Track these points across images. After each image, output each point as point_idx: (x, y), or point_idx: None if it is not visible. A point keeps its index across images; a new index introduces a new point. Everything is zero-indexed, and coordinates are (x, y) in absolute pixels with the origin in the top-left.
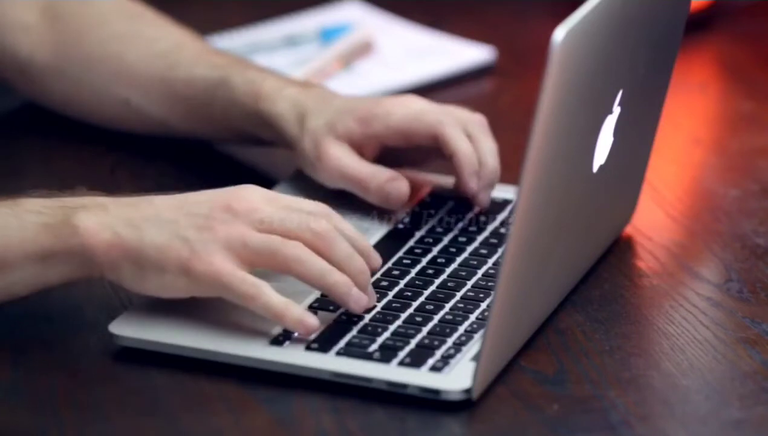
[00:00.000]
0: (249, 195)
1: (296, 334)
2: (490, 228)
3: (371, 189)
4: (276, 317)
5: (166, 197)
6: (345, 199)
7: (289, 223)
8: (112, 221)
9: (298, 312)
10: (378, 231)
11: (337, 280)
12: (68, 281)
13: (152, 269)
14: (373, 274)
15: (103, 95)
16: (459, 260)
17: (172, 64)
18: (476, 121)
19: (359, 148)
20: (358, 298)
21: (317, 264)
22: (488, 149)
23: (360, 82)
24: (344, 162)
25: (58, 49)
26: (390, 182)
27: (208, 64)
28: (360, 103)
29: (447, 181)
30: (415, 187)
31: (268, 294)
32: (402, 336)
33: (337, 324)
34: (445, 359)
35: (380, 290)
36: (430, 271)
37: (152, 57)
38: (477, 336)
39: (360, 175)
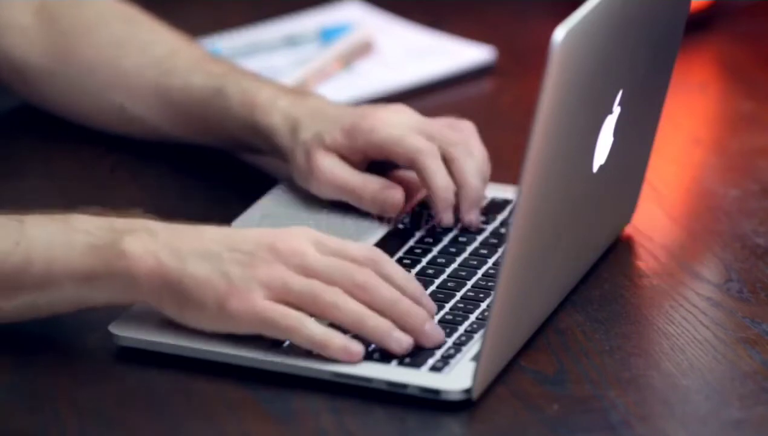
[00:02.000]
0: (297, 237)
1: None
2: (490, 228)
3: (365, 199)
4: (320, 348)
5: (216, 229)
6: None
7: (332, 270)
8: (158, 248)
9: (341, 341)
10: (378, 231)
11: (376, 324)
12: (111, 304)
13: (191, 302)
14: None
15: (97, 100)
16: (459, 260)
17: (167, 71)
18: (459, 141)
19: (347, 158)
20: (399, 339)
21: (355, 309)
22: (470, 169)
23: (360, 82)
24: (336, 173)
25: (52, 52)
26: (384, 191)
27: (203, 73)
28: (348, 115)
29: None
30: (414, 187)
31: (310, 326)
32: None
33: (337, 324)
34: (445, 359)
35: None
36: (430, 271)
37: (147, 63)
38: (477, 336)
39: (353, 186)
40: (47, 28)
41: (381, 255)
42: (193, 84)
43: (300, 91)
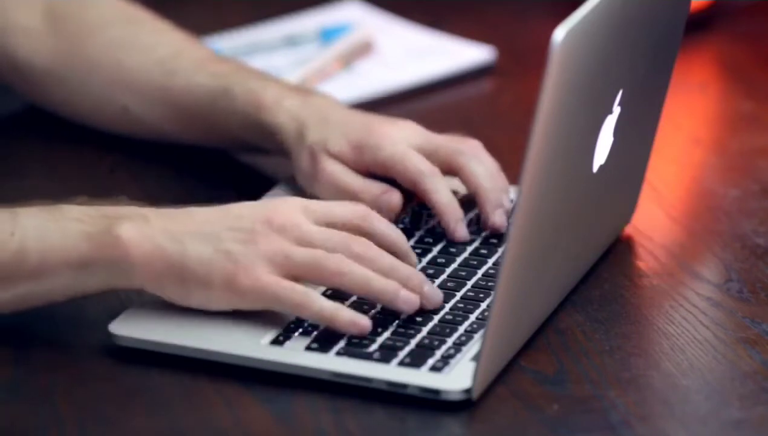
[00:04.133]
0: (289, 209)
1: (297, 333)
2: None
3: (366, 202)
4: (328, 321)
5: (206, 210)
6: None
7: (330, 242)
8: (154, 233)
9: (348, 315)
10: None
11: (383, 286)
12: (106, 290)
13: (196, 283)
14: None
15: (101, 101)
16: (459, 260)
17: (171, 71)
18: (466, 151)
19: (351, 168)
20: (407, 298)
21: (360, 273)
22: (480, 174)
23: (360, 82)
24: (339, 177)
25: (57, 53)
26: (383, 195)
27: (208, 73)
28: (356, 126)
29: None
30: None
31: (318, 301)
32: (402, 336)
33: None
34: (445, 359)
35: None
36: (430, 271)
37: (151, 64)
38: (477, 336)
39: (354, 190)
40: (54, 30)
41: (368, 211)
42: (196, 84)
43: (306, 90)
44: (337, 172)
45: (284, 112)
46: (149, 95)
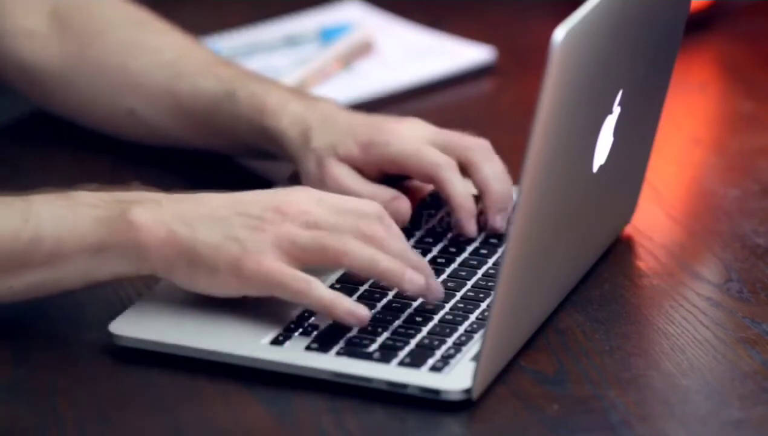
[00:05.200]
0: (300, 197)
1: (297, 333)
2: None
3: None
4: (327, 310)
5: (219, 195)
6: None
7: (339, 225)
8: (167, 217)
9: (348, 304)
10: None
11: (389, 265)
12: (118, 277)
13: (204, 268)
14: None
15: (108, 105)
16: (459, 260)
17: (176, 74)
18: (477, 148)
19: (360, 170)
20: (414, 279)
21: (366, 253)
22: (491, 174)
23: (360, 82)
24: (347, 183)
25: (64, 56)
26: (391, 202)
27: (212, 77)
28: (363, 126)
29: None
30: (416, 188)
31: (319, 289)
32: (402, 336)
33: (337, 323)
34: (445, 359)
35: (380, 289)
36: None
37: (156, 67)
38: (477, 336)
39: (362, 196)
40: (60, 33)
41: (382, 210)
42: (201, 88)
43: (310, 95)
44: (345, 177)
45: (287, 116)
46: (156, 98)
